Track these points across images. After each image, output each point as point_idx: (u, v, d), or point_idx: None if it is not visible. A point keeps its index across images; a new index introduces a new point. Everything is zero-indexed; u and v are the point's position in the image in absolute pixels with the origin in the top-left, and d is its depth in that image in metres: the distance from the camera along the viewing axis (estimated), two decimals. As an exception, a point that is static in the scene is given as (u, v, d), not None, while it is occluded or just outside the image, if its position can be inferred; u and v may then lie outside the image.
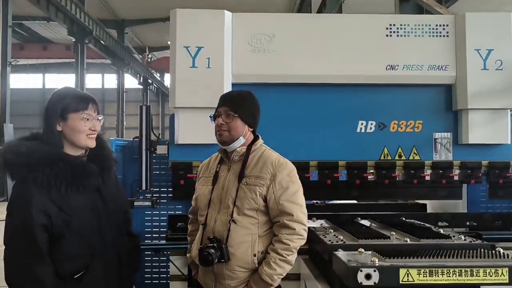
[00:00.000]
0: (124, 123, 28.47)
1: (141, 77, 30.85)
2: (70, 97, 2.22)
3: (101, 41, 22.60)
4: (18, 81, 32.98)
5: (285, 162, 2.46)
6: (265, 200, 2.39)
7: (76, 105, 2.19)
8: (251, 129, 2.53)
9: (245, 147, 2.50)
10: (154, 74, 33.08)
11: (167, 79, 35.65)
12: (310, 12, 15.96)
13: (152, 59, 32.90)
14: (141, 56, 31.09)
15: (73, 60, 22.31)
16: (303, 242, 2.39)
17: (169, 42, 3.52)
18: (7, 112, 15.98)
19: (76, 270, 2.13)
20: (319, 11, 15.06)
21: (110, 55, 24.83)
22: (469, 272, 2.09)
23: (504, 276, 2.09)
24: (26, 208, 2.02)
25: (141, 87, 32.07)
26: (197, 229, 2.63)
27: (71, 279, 2.12)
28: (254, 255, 2.35)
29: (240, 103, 2.50)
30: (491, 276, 2.10)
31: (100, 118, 2.29)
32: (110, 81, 35.14)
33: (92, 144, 2.24)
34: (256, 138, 2.56)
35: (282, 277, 2.37)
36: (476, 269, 2.10)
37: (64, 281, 2.10)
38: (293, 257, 2.36)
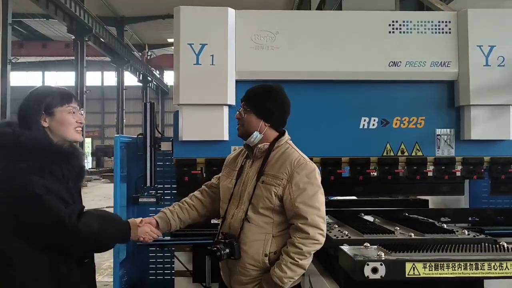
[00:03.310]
0: (124, 120, 28.49)
1: (141, 75, 30.83)
2: (53, 93, 2.18)
3: (101, 39, 22.58)
4: (18, 79, 32.91)
5: (305, 163, 2.36)
6: (281, 200, 2.32)
7: (61, 99, 2.17)
8: (268, 124, 2.43)
9: (268, 143, 2.44)
10: (154, 72, 33.06)
11: (166, 77, 35.66)
12: (310, 9, 15.92)
13: (152, 57, 32.89)
14: (140, 54, 31.08)
15: (73, 57, 22.31)
16: (319, 247, 2.29)
17: (168, 40, 3.55)
18: (8, 110, 15.98)
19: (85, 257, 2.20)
20: (319, 8, 15.00)
21: (109, 52, 24.80)
22: (474, 266, 2.12)
23: (508, 269, 2.12)
24: (51, 194, 1.98)
25: (141, 84, 32.09)
26: (200, 195, 2.66)
27: (82, 264, 2.17)
28: (265, 255, 2.31)
29: (255, 98, 2.46)
30: (495, 269, 2.13)
31: (82, 112, 2.26)
32: (110, 78, 35.14)
33: (80, 138, 2.22)
34: (281, 134, 2.50)
35: (293, 280, 2.28)
36: (481, 263, 2.13)
37: (80, 268, 2.14)
38: (306, 261, 2.27)
